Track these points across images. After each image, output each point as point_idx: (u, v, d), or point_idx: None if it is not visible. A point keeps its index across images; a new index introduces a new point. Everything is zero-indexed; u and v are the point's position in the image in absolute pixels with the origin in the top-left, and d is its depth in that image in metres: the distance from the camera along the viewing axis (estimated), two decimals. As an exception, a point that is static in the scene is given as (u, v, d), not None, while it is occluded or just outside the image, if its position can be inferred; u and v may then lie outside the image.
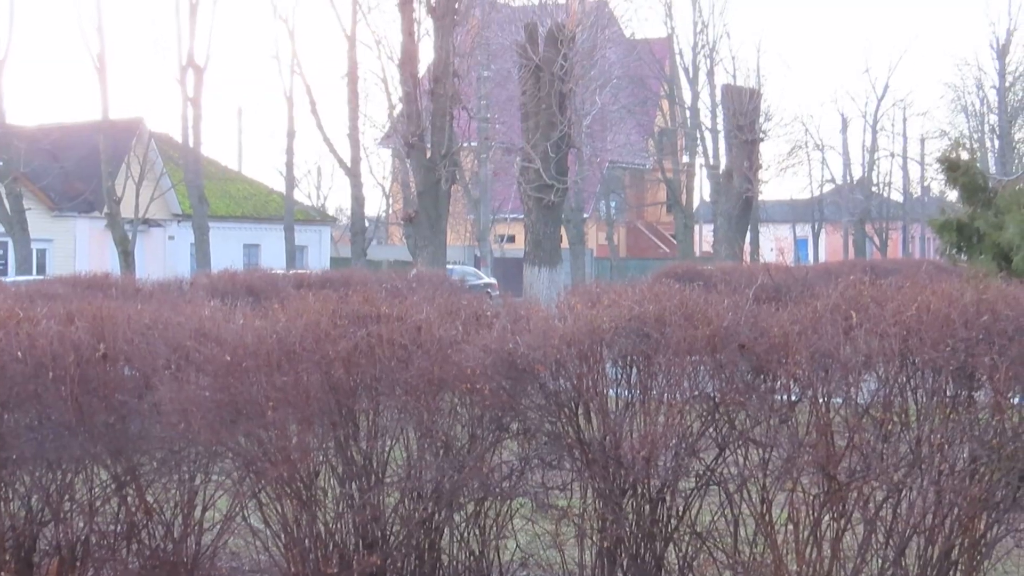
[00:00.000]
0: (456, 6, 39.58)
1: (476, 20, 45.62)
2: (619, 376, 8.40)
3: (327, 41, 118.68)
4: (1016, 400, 7.70)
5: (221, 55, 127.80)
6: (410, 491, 8.41)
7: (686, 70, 67.01)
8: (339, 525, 8.48)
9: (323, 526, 8.46)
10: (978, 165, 23.93)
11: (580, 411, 8.21)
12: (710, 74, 65.06)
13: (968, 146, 51.66)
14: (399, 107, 41.92)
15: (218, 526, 8.89)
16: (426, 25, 39.95)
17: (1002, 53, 71.11)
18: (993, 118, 74.32)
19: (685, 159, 72.19)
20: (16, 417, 8.47)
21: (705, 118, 65.44)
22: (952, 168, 21.24)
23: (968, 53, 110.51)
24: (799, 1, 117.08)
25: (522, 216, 41.10)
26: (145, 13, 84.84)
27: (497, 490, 8.45)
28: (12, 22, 47.53)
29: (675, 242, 73.49)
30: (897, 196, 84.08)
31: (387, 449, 8.52)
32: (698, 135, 66.35)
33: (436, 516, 8.48)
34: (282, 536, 8.53)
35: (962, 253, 21.04)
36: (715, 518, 8.27)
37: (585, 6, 53.26)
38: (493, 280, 54.68)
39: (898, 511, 7.70)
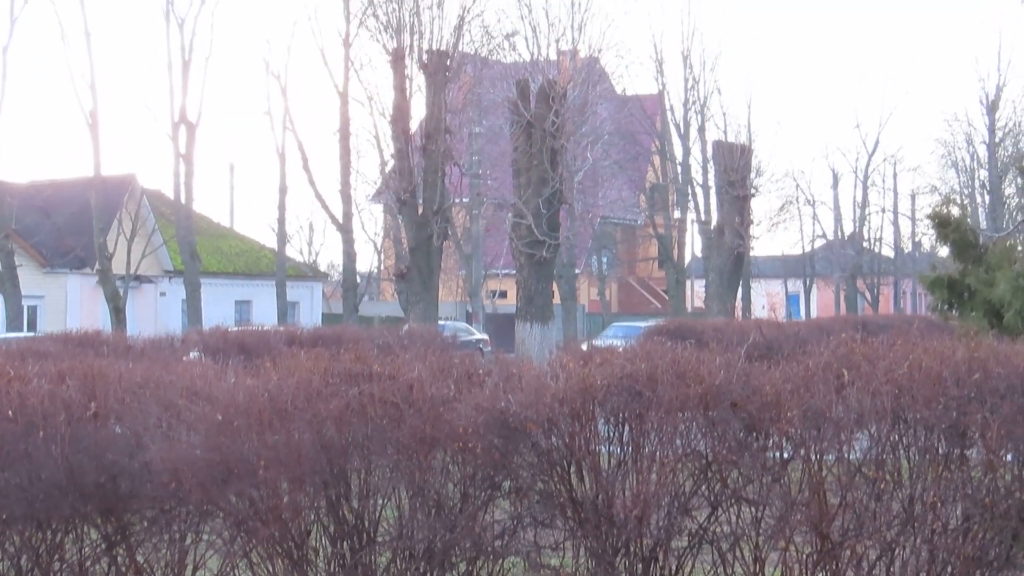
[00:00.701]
0: (448, 63, 39.77)
1: (468, 76, 45.80)
2: (611, 434, 8.40)
3: (319, 97, 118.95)
4: (1009, 458, 7.70)
5: (213, 111, 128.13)
6: (402, 550, 8.38)
7: (677, 126, 67.19)
8: (330, 585, 8.44)
9: (314, 586, 8.42)
10: (969, 221, 23.97)
11: (572, 469, 8.20)
12: (701, 130, 65.19)
13: (959, 202, 51.84)
14: (391, 163, 42.03)
15: (209, 586, 8.84)
16: (418, 81, 40.15)
17: (992, 109, 71.37)
18: (983, 173, 74.51)
19: (676, 215, 72.29)
20: (6, 476, 8.43)
21: (696, 174, 65.56)
22: (943, 225, 21.29)
23: (958, 109, 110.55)
24: (790, 57, 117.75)
25: (514, 272, 41.13)
26: (137, 70, 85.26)
27: (489, 549, 8.42)
28: (4, 79, 47.50)
29: (667, 297, 73.50)
30: (888, 251, 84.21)
31: (379, 508, 8.50)
32: (689, 191, 66.43)
33: (428, 575, 8.44)
34: (273, 596, 8.48)
35: (953, 309, 21.06)
36: (708, 577, 8.25)
37: (576, 63, 53.48)
38: (485, 336, 54.64)
39: (891, 570, 7.68)
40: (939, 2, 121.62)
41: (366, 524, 8.42)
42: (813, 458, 7.69)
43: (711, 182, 59.10)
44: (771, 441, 7.92)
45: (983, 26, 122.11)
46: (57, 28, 48.65)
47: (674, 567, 8.20)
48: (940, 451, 7.68)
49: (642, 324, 51.69)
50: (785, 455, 7.89)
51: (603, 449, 8.31)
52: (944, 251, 26.07)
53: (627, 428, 8.26)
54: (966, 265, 20.95)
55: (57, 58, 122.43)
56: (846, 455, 7.69)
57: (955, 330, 18.08)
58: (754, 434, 7.96)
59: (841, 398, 7.74)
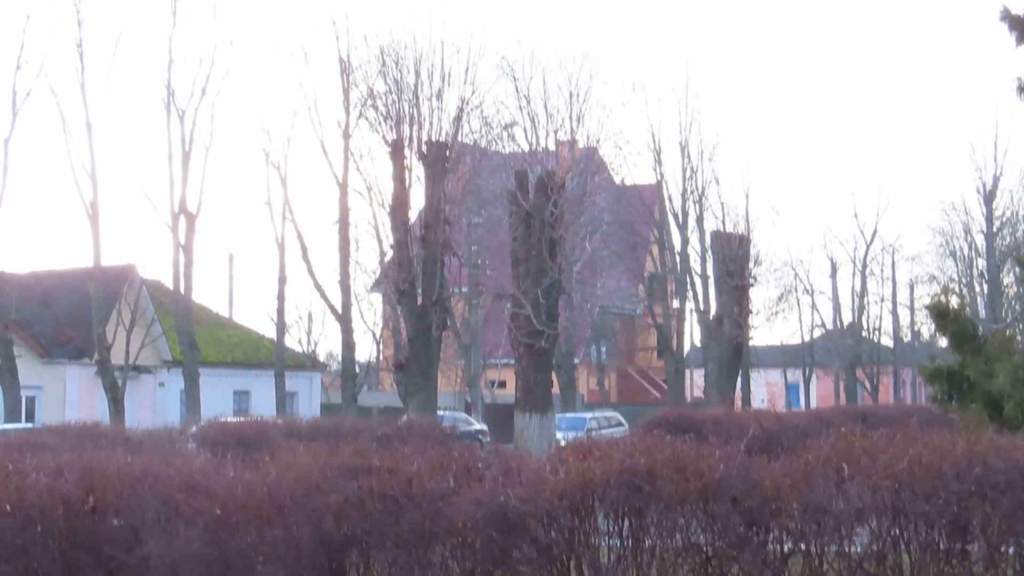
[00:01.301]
0: (447, 153, 39.99)
1: (467, 167, 46.02)
2: (611, 528, 8.37)
3: (319, 187, 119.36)
4: (1010, 552, 7.68)
5: (213, 200, 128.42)
6: (400, 647, 8.32)
7: (675, 216, 67.30)
8: None
9: None
10: (967, 311, 23.99)
11: (572, 564, 8.16)
12: (699, 219, 65.31)
13: (957, 291, 51.83)
14: (390, 253, 42.17)
15: None
16: (417, 172, 40.34)
17: (989, 199, 71.50)
18: (981, 263, 74.54)
19: (675, 304, 72.32)
20: (3, 571, 8.40)
21: (695, 263, 65.66)
22: (941, 316, 21.28)
23: (955, 198, 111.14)
24: (787, 148, 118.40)
25: (513, 362, 41.13)
26: (138, 159, 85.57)
27: (488, 645, 8.36)
28: (6, 170, 47.78)
29: (666, 387, 73.39)
30: (887, 341, 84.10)
31: (377, 604, 8.45)
32: (688, 280, 66.53)
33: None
34: None
35: (953, 401, 20.98)
36: (709, 674, 8.18)
37: (575, 153, 53.76)
38: (484, 426, 54.49)
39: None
40: (936, 93, 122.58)
41: (365, 620, 8.37)
42: (814, 553, 7.66)
43: (710, 272, 59.23)
44: (771, 535, 7.91)
45: (980, 116, 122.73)
46: (58, 119, 48.61)
47: (675, 663, 8.15)
48: (941, 546, 7.65)
49: (588, 415, 51.65)
50: (785, 549, 7.86)
51: (603, 543, 8.28)
52: (944, 341, 26.04)
53: (627, 522, 8.25)
54: (965, 356, 20.89)
55: (58, 148, 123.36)
56: (847, 549, 7.66)
57: (955, 422, 18.05)
58: (754, 528, 7.94)
59: (841, 492, 7.73)
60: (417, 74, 40.99)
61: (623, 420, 54.13)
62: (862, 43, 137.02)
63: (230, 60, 75.06)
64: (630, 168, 65.12)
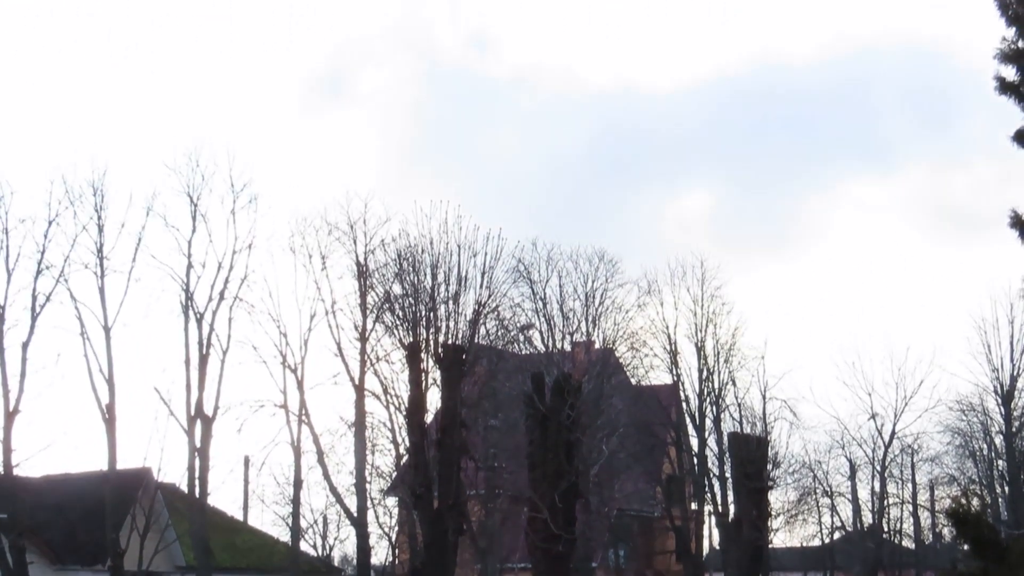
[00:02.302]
0: (464, 357, 40.09)
1: (483, 369, 46.11)
2: None
3: (335, 389, 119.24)
4: None
5: (229, 402, 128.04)
6: None
7: (692, 417, 67.14)
8: None
9: None
10: (988, 514, 23.75)
11: None
12: (716, 421, 65.14)
13: (978, 492, 51.38)
14: (406, 456, 42.07)
15: None
16: (434, 374, 40.43)
17: (1007, 399, 71.27)
18: (1002, 464, 74.07)
19: (694, 506, 71.76)
20: None
21: (713, 465, 65.36)
22: (962, 522, 21.07)
23: (974, 397, 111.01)
24: (805, 347, 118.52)
25: (530, 566, 40.70)
26: (155, 362, 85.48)
27: None
28: (24, 376, 47.91)
29: (685, 591, 72.37)
30: (909, 543, 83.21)
31: None
32: (706, 482, 66.13)
33: None
34: None
35: (976, 609, 20.68)
36: None
37: (591, 355, 53.92)
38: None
39: None
40: (951, 292, 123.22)
41: None
42: None
43: (728, 473, 58.96)
44: None
45: (995, 317, 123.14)
46: (76, 323, 48.84)
47: None
48: None
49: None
50: None
51: None
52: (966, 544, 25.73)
53: None
54: (987, 563, 20.63)
55: (75, 351, 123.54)
56: None
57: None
58: None
59: None
60: (434, 278, 41.33)
61: None
62: (881, 244, 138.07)
63: (247, 264, 75.71)
64: (646, 369, 65.18)
